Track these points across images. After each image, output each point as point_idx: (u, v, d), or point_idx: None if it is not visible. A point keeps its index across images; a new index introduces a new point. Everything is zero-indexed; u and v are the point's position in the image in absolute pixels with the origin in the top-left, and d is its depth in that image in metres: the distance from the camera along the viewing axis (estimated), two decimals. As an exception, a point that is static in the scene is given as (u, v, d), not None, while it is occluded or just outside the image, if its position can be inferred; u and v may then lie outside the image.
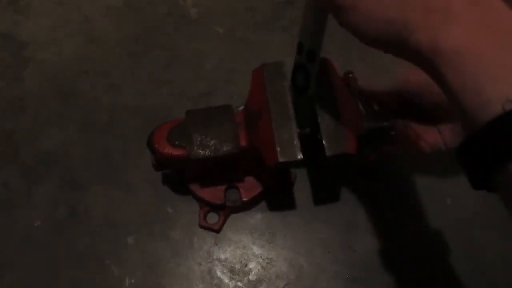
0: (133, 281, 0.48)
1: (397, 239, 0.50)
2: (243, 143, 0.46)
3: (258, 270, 0.49)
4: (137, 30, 0.63)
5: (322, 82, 0.45)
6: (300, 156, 0.42)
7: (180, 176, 0.52)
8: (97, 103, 0.58)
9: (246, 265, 0.49)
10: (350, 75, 0.48)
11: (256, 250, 0.50)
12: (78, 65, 0.61)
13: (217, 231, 0.51)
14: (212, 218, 0.51)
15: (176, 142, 0.46)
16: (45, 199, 0.52)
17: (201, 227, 0.51)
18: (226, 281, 0.48)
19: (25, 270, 0.49)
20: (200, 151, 0.46)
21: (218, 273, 0.49)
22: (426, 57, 0.29)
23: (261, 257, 0.50)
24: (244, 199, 0.50)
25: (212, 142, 0.46)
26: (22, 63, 0.61)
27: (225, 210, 0.51)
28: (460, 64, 0.27)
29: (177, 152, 0.46)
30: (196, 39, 0.62)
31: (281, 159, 0.42)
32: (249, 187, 0.51)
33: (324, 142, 0.42)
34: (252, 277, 0.49)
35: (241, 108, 0.49)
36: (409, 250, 0.50)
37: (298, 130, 0.44)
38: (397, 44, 0.30)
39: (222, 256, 0.50)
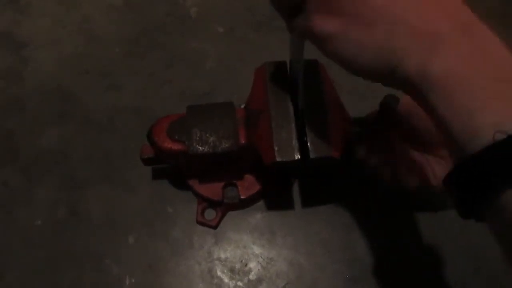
0: (133, 280, 0.48)
1: (396, 239, 0.50)
2: (242, 140, 0.46)
3: (258, 269, 0.49)
4: (137, 30, 0.63)
5: (311, 85, 0.45)
6: (297, 156, 0.42)
7: (178, 173, 0.52)
8: (97, 103, 0.58)
9: (246, 265, 0.49)
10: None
11: (256, 249, 0.50)
12: (78, 65, 0.61)
13: (214, 227, 0.51)
14: (210, 214, 0.51)
15: (176, 137, 0.46)
16: (45, 199, 0.52)
17: (198, 222, 0.51)
18: (226, 280, 0.48)
19: (25, 270, 0.49)
20: (198, 146, 0.46)
21: (218, 273, 0.49)
22: (415, 83, 0.28)
23: (261, 256, 0.50)
24: (242, 197, 0.50)
25: (211, 138, 0.46)
26: (22, 63, 0.61)
27: (223, 207, 0.51)
28: (449, 91, 0.27)
29: (176, 146, 0.46)
30: (196, 39, 0.63)
31: (278, 159, 0.42)
32: (248, 185, 0.51)
33: (308, 144, 0.43)
34: (252, 276, 0.49)
35: (243, 105, 0.49)
36: (409, 250, 0.50)
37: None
38: (386, 72, 0.29)
39: (222, 256, 0.50)
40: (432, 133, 0.43)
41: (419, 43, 0.28)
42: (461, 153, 0.26)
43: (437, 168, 0.45)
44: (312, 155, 0.42)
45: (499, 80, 0.26)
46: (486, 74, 0.27)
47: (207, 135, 0.46)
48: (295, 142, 0.43)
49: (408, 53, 0.28)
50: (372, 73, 0.30)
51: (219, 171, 0.50)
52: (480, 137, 0.25)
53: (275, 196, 0.52)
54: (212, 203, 0.51)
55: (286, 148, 0.43)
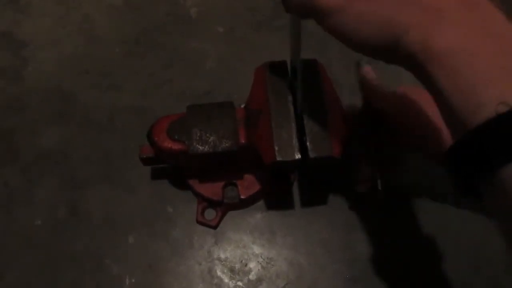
0: (133, 280, 0.48)
1: (396, 239, 0.50)
2: (242, 140, 0.46)
3: (258, 269, 0.49)
4: (137, 30, 0.63)
5: (310, 84, 0.45)
6: (297, 156, 0.42)
7: (177, 173, 0.52)
8: (97, 103, 0.58)
9: (246, 265, 0.49)
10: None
11: (256, 249, 0.50)
12: (78, 65, 0.61)
13: (214, 227, 0.51)
14: (210, 214, 0.51)
15: (176, 136, 0.46)
16: (45, 199, 0.52)
17: (198, 222, 0.51)
18: (226, 280, 0.48)
19: (25, 270, 0.49)
20: (198, 146, 0.46)
21: (218, 273, 0.49)
22: (417, 58, 0.28)
23: (261, 256, 0.50)
24: (242, 197, 0.50)
25: (211, 138, 0.46)
26: (22, 62, 0.61)
27: (223, 206, 0.51)
28: (452, 64, 0.27)
29: (176, 146, 0.46)
30: (196, 39, 0.63)
31: (278, 158, 0.42)
32: (248, 185, 0.51)
33: (308, 144, 0.43)
34: (252, 276, 0.49)
35: (243, 105, 0.49)
36: (409, 249, 0.50)
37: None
38: (389, 47, 0.29)
39: (222, 256, 0.50)
40: (422, 128, 0.43)
41: (423, 18, 0.28)
42: (462, 129, 0.26)
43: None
44: (312, 155, 0.42)
45: (502, 54, 0.26)
46: (490, 50, 0.26)
47: (207, 135, 0.46)
48: (295, 142, 0.43)
49: (412, 27, 0.28)
50: (375, 48, 0.30)
51: (219, 171, 0.50)
52: (482, 111, 0.25)
53: (275, 196, 0.52)
54: (212, 203, 0.51)
55: (286, 148, 0.43)
